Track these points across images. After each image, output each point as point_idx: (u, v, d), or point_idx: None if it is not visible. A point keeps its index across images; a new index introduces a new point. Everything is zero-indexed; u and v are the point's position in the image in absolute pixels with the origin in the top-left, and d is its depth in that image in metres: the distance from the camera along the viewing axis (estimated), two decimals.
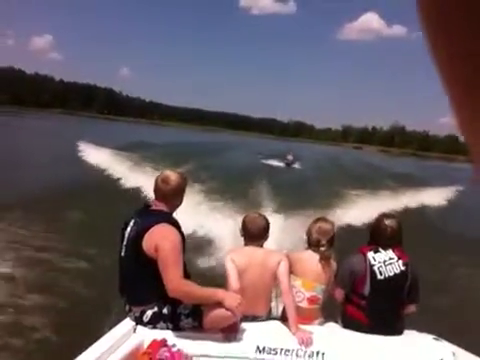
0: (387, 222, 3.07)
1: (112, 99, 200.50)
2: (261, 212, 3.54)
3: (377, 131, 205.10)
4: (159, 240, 2.68)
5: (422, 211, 12.46)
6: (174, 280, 2.65)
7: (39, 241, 6.88)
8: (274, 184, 15.96)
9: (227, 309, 2.68)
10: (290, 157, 29.31)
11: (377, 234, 3.08)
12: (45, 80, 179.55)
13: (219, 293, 2.72)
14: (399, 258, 2.98)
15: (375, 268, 2.94)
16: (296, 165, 28.63)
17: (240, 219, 3.30)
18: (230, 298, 2.70)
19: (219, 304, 2.70)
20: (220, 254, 6.44)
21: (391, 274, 2.93)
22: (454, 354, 2.55)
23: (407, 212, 11.18)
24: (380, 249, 3.01)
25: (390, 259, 2.97)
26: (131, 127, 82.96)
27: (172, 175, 2.94)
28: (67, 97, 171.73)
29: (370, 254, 2.99)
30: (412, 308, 3.08)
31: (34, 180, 11.43)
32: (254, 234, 3.11)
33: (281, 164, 28.59)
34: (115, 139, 26.72)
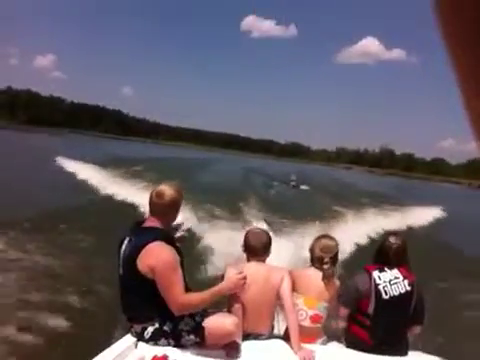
0: (392, 240, 2.93)
1: (119, 120, 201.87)
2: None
3: (368, 153, 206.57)
4: (154, 261, 2.53)
5: (410, 231, 12.40)
6: (177, 300, 2.53)
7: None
8: (271, 202, 15.95)
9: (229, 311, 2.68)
10: (294, 178, 29.24)
11: (382, 253, 2.94)
12: (58, 101, 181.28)
13: (221, 288, 2.66)
14: (405, 278, 2.83)
15: (380, 287, 2.80)
16: (303, 186, 28.41)
17: (236, 235, 3.17)
18: (230, 281, 2.66)
19: (221, 321, 2.58)
20: (218, 268, 6.31)
21: (396, 294, 2.79)
22: None
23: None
24: (385, 268, 2.87)
25: (396, 278, 2.83)
26: (136, 146, 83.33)
27: (167, 190, 2.75)
28: (77, 117, 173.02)
29: (375, 273, 2.85)
30: (417, 329, 2.92)
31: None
32: (257, 249, 2.97)
33: (285, 185, 28.46)
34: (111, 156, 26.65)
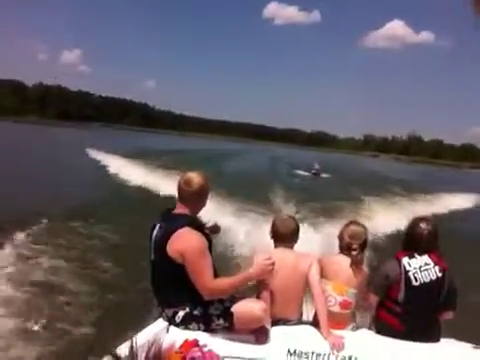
0: (422, 226, 2.86)
1: (145, 112, 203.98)
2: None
3: (396, 140, 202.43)
4: (183, 247, 2.56)
5: (447, 217, 12.06)
6: (206, 285, 2.55)
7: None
8: (296, 191, 15.86)
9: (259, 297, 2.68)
10: (317, 166, 29.04)
11: (412, 239, 2.88)
12: (87, 95, 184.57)
13: (249, 273, 2.65)
14: (435, 264, 2.77)
15: (410, 274, 2.75)
16: (324, 175, 28.24)
17: (263, 225, 3.17)
18: (258, 266, 2.63)
19: (249, 306, 2.59)
20: (246, 258, 6.32)
21: (427, 280, 2.73)
22: None
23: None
24: (416, 254, 2.81)
25: (426, 265, 2.76)
26: (163, 138, 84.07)
27: (195, 177, 2.77)
28: (105, 111, 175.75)
29: (405, 259, 2.80)
30: (449, 315, 2.85)
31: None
32: (284, 236, 2.97)
33: (308, 174, 28.34)
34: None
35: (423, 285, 2.73)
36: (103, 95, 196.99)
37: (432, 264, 2.77)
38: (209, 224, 3.17)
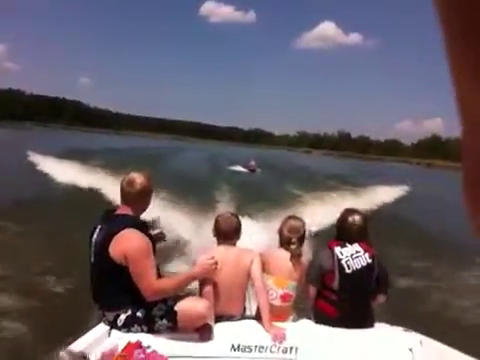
0: (352, 217, 2.99)
1: (80, 111, 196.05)
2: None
3: (327, 136, 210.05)
4: (126, 247, 2.49)
5: (377, 208, 12.62)
6: (150, 286, 2.50)
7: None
8: (235, 188, 15.95)
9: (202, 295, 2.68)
10: (253, 163, 29.38)
11: (343, 229, 3.00)
12: (17, 93, 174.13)
13: (193, 273, 2.68)
14: (365, 251, 2.90)
15: (343, 262, 2.85)
16: (259, 170, 28.67)
17: (204, 221, 3.15)
18: (201, 266, 2.66)
19: (193, 305, 2.56)
20: (187, 256, 6.25)
21: (358, 267, 2.85)
22: (421, 343, 2.50)
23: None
24: (347, 244, 2.93)
25: (357, 252, 2.88)
26: (99, 137, 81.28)
27: (137, 177, 2.71)
28: (37, 110, 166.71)
29: (337, 249, 2.90)
30: (381, 299, 3.00)
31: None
32: (227, 233, 2.97)
33: (245, 170, 28.59)
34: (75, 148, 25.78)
35: (355, 272, 2.84)
36: (34, 93, 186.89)
37: (362, 251, 2.89)
38: (154, 232, 3.10)
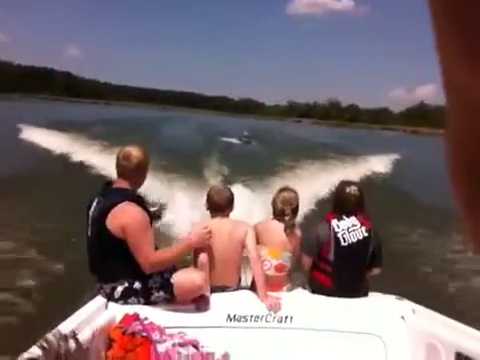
0: (348, 190, 2.96)
1: (69, 81, 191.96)
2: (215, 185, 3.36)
3: (318, 105, 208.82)
4: (125, 221, 2.47)
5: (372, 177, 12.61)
6: (148, 258, 2.49)
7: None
8: (228, 158, 15.86)
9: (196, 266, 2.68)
10: (246, 134, 28.95)
11: (340, 202, 2.97)
12: (5, 64, 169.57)
13: (188, 243, 2.67)
14: (362, 224, 2.89)
15: (339, 235, 2.85)
16: (253, 142, 28.24)
17: (199, 193, 3.10)
18: (196, 235, 2.66)
19: (189, 276, 2.57)
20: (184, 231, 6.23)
21: (354, 240, 2.85)
22: (414, 311, 2.53)
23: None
24: (344, 216, 2.91)
25: (353, 226, 2.87)
26: (89, 107, 79.92)
27: (134, 151, 2.65)
28: (26, 81, 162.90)
29: (334, 222, 2.89)
30: (376, 271, 3.01)
31: None
32: (220, 205, 2.94)
33: (239, 141, 28.16)
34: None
35: (351, 245, 2.84)
36: (23, 64, 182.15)
37: (359, 225, 2.88)
38: (152, 209, 3.06)
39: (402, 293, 2.84)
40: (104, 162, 9.94)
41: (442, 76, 0.31)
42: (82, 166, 10.83)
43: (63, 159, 11.81)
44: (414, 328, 2.41)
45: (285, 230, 2.98)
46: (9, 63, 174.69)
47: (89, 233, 2.62)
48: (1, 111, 40.03)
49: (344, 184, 3.04)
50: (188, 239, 2.69)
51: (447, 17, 0.27)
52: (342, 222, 2.88)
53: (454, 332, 2.24)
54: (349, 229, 2.86)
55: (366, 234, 2.87)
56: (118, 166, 2.67)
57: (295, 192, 3.12)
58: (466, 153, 0.32)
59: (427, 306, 2.58)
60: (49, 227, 6.19)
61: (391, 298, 2.78)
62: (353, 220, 2.89)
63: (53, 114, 34.12)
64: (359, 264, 2.91)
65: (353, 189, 2.96)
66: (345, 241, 2.84)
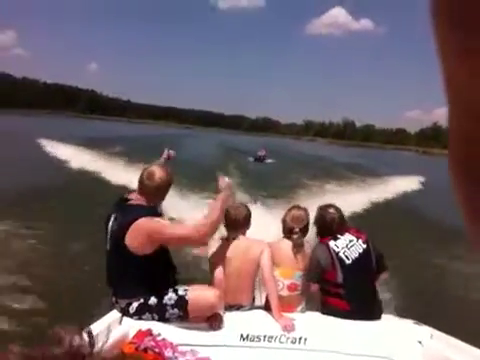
0: (331, 211, 2.95)
1: (93, 99, 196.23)
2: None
3: (332, 125, 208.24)
4: (147, 232, 2.46)
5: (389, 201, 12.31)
6: (194, 233, 2.51)
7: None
8: (246, 176, 15.82)
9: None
10: (262, 153, 28.72)
11: (327, 224, 2.92)
12: (32, 82, 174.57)
13: (223, 195, 2.73)
14: (358, 238, 2.85)
15: (341, 254, 2.78)
16: (269, 160, 28.07)
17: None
18: (226, 186, 2.80)
19: (203, 294, 2.54)
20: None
21: (356, 255, 2.78)
22: (432, 336, 2.44)
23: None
24: (338, 235, 2.86)
25: (351, 242, 2.82)
26: (112, 125, 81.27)
27: (157, 171, 2.66)
28: (51, 98, 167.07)
29: (331, 242, 2.83)
30: (384, 276, 2.98)
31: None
32: (238, 222, 2.93)
33: (253, 160, 27.96)
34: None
35: (355, 261, 2.77)
36: (48, 81, 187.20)
37: (355, 239, 2.84)
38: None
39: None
40: (126, 178, 10.02)
41: (442, 76, 0.30)
42: (104, 182, 10.93)
43: (85, 174, 11.96)
44: (431, 353, 2.31)
45: (293, 248, 2.93)
46: (36, 80, 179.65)
47: (108, 247, 2.62)
48: (26, 126, 40.91)
49: (324, 207, 3.02)
50: (219, 196, 2.73)
51: (447, 16, 0.27)
52: (339, 241, 2.83)
53: (471, 358, 2.15)
54: (348, 246, 2.81)
55: (365, 246, 2.82)
56: (140, 183, 2.67)
57: (305, 210, 3.08)
58: (466, 153, 0.32)
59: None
60: (69, 242, 6.22)
61: (408, 322, 2.69)
62: (348, 236, 2.85)
63: (76, 130, 34.77)
64: (368, 277, 2.84)
65: (334, 211, 2.95)
66: (348, 259, 2.77)
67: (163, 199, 2.79)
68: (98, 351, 0.60)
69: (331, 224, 2.90)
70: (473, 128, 0.30)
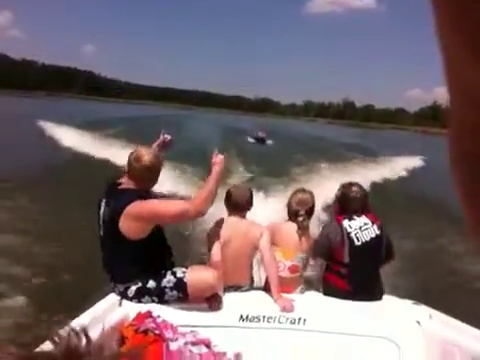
0: (354, 189, 2.91)
1: (91, 80, 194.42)
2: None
3: (332, 105, 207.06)
4: (139, 215, 2.42)
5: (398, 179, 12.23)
6: (190, 208, 2.48)
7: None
8: (245, 158, 15.72)
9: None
10: (261, 134, 28.43)
11: (346, 202, 2.90)
12: (30, 63, 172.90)
13: (216, 171, 2.66)
14: (373, 223, 2.81)
15: (352, 235, 2.75)
16: (269, 141, 27.78)
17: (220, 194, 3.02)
18: (219, 162, 2.70)
19: (202, 275, 2.52)
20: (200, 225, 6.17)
21: (368, 239, 2.76)
22: (431, 316, 2.43)
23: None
24: (354, 216, 2.83)
25: (365, 224, 2.79)
26: (110, 106, 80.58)
27: (146, 153, 2.58)
28: (49, 80, 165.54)
29: (345, 222, 2.80)
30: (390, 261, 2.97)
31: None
32: (240, 204, 2.90)
33: (254, 141, 27.71)
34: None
35: (365, 244, 2.75)
36: (46, 63, 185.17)
37: (370, 223, 2.80)
38: None
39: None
40: (125, 159, 9.88)
41: (443, 65, 0.30)
42: (103, 163, 10.86)
43: (84, 156, 11.88)
44: (430, 333, 2.31)
45: (298, 231, 2.91)
46: (34, 62, 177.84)
47: (101, 233, 2.58)
48: (25, 109, 40.58)
49: (348, 185, 2.98)
50: (213, 170, 2.68)
51: (451, 5, 0.26)
52: (353, 222, 2.80)
53: (471, 338, 2.14)
54: (362, 228, 2.77)
55: (378, 232, 2.79)
56: (128, 166, 2.60)
57: (311, 193, 3.05)
58: (466, 142, 0.32)
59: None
60: (68, 223, 6.20)
61: (407, 302, 2.68)
62: (364, 219, 2.82)
63: (75, 112, 34.48)
64: (374, 263, 2.83)
65: (357, 189, 2.91)
66: (359, 240, 2.75)
67: (155, 182, 2.72)
68: (96, 341, 0.59)
69: (351, 202, 2.87)
70: (474, 118, 0.29)
